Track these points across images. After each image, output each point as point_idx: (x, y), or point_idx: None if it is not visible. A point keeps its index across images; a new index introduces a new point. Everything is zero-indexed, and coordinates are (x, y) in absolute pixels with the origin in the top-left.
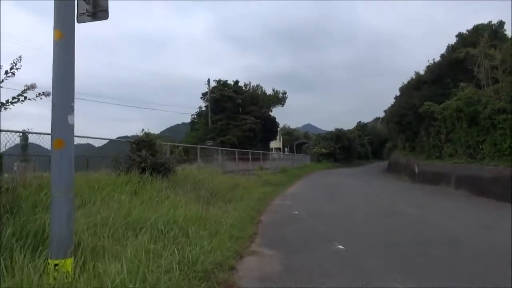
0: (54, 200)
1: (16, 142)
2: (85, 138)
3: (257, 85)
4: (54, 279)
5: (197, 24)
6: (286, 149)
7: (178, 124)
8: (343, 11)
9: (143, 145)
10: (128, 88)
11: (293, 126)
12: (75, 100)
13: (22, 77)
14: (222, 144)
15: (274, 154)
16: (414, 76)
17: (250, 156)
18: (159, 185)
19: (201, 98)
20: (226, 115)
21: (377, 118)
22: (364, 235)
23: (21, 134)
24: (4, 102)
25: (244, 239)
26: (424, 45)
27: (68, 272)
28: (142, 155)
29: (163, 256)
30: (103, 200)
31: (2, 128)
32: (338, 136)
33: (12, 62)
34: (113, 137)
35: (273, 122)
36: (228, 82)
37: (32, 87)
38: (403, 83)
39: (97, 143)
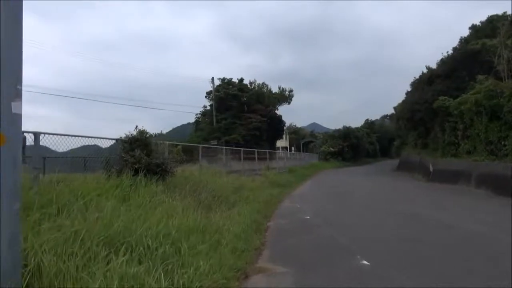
0: None
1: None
2: (92, 139)
3: (263, 83)
4: None
5: (200, 24)
6: (292, 148)
7: (183, 125)
8: (347, 9)
9: (137, 144)
10: (134, 88)
11: (298, 125)
12: (85, 100)
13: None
14: (227, 143)
15: (281, 153)
16: (425, 71)
17: (256, 156)
18: (154, 189)
19: (205, 97)
20: (231, 114)
21: (385, 116)
22: (390, 247)
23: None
24: None
25: (250, 252)
26: (428, 43)
27: None
28: (136, 155)
29: (145, 285)
30: (84, 207)
31: None
32: (346, 134)
33: None
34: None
35: (279, 121)
36: (233, 80)
37: None
38: (415, 77)
39: (104, 144)
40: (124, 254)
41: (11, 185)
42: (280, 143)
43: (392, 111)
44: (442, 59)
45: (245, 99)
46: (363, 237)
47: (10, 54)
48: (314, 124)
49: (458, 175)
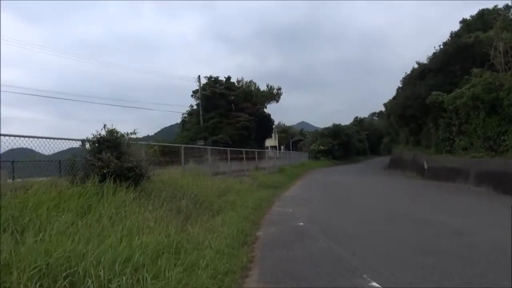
0: None
1: (11, 147)
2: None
3: (250, 81)
4: None
5: (188, 26)
6: (282, 147)
7: (172, 125)
8: (335, 10)
9: (106, 145)
10: (122, 90)
11: (288, 124)
12: (72, 103)
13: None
14: (214, 143)
15: (270, 152)
16: (416, 67)
17: (244, 156)
18: (123, 197)
19: (191, 96)
20: (218, 113)
21: (374, 113)
22: (402, 262)
23: None
24: None
25: (235, 275)
26: (416, 42)
27: None
28: (104, 158)
29: None
30: (29, 224)
31: None
32: (335, 132)
33: None
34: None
35: (268, 119)
36: (220, 78)
37: None
38: (406, 73)
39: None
40: None
41: None
42: (270, 142)
43: (381, 108)
44: (434, 53)
45: (232, 97)
46: (367, 249)
47: None
48: (303, 123)
49: (455, 172)
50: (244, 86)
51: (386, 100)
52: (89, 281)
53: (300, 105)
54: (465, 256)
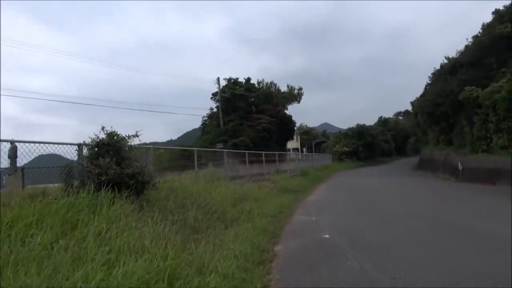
0: None
1: (41, 153)
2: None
3: (271, 82)
4: None
5: (210, 29)
6: (304, 149)
7: (194, 129)
8: (358, 8)
9: (105, 149)
10: (147, 94)
11: (309, 125)
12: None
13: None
14: (235, 146)
15: (291, 154)
16: (443, 63)
17: (263, 158)
18: (121, 209)
19: (211, 98)
20: (238, 115)
21: (399, 113)
22: None
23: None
24: None
25: None
26: (440, 38)
27: None
28: (101, 164)
29: None
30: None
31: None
32: (360, 132)
33: None
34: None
35: (289, 121)
36: (239, 80)
37: None
38: (435, 68)
39: None
40: None
41: None
42: (291, 144)
43: (406, 107)
44: (466, 46)
45: (252, 99)
46: (410, 271)
47: None
48: (325, 124)
49: (495, 173)
50: (264, 87)
51: (412, 99)
52: None
53: (322, 106)
54: None
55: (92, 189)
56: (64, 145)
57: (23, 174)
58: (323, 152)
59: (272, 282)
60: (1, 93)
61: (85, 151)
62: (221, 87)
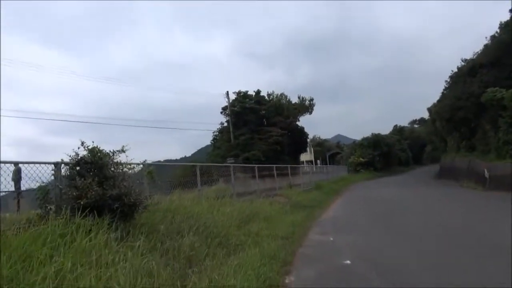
0: None
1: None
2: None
3: (281, 94)
4: None
5: (217, 45)
6: (318, 162)
7: (208, 145)
8: (364, 16)
9: (86, 168)
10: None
11: (322, 137)
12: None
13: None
14: (246, 160)
15: (305, 167)
16: (459, 65)
17: (275, 172)
18: (97, 238)
19: (221, 113)
20: (249, 128)
21: (414, 121)
22: None
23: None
24: None
25: None
26: (450, 44)
27: None
28: (79, 185)
29: None
30: None
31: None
32: (375, 142)
33: None
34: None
35: (301, 133)
36: (249, 93)
37: None
38: (452, 71)
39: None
40: None
41: None
42: (305, 157)
43: (421, 115)
44: (485, 45)
45: (263, 112)
46: None
47: None
48: (339, 136)
49: None
50: (275, 100)
51: (426, 106)
52: None
53: (334, 117)
54: None
55: (68, 215)
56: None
57: (18, 199)
58: (338, 164)
59: None
60: (15, 116)
61: (64, 170)
62: (230, 101)
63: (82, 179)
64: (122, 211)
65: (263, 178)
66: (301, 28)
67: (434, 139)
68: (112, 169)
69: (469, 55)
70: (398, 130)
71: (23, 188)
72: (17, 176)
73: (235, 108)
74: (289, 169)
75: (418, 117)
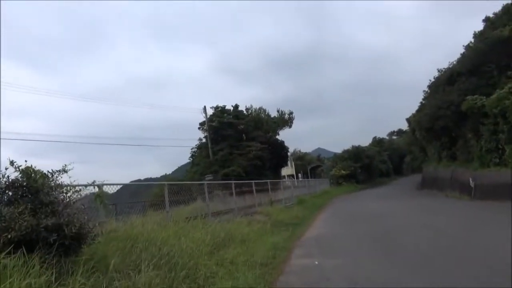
0: None
1: None
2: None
3: (260, 108)
4: None
5: (195, 63)
6: (300, 175)
7: (188, 162)
8: (335, 35)
9: (18, 193)
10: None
11: (303, 150)
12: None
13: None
14: (225, 177)
15: (286, 181)
16: (436, 75)
17: (254, 188)
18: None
19: (199, 128)
20: (228, 144)
21: (392, 132)
22: None
23: None
24: None
25: None
26: (421, 59)
27: None
28: (5, 214)
29: None
30: None
31: None
32: (356, 154)
33: None
34: (127, 181)
35: (281, 147)
36: (227, 108)
37: None
38: (430, 80)
39: (111, 190)
40: None
41: None
42: (286, 171)
43: (400, 126)
44: (462, 54)
45: (242, 126)
46: None
47: None
48: (319, 149)
49: None
50: (253, 114)
51: (402, 118)
52: None
53: (314, 131)
54: None
55: None
56: None
57: None
58: (319, 177)
59: None
60: None
61: None
62: (208, 116)
63: (12, 207)
64: (62, 244)
65: (243, 195)
66: (278, 45)
67: (413, 149)
68: (53, 193)
69: (443, 66)
70: (377, 142)
71: None
72: None
73: (213, 124)
74: (269, 184)
75: (396, 129)
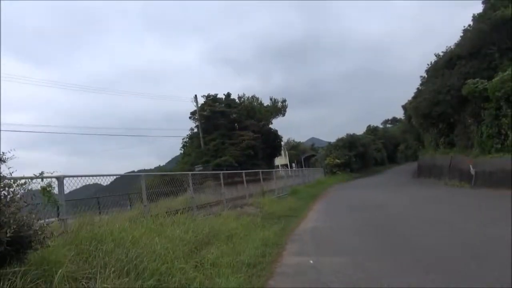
0: None
1: None
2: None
3: (253, 97)
4: None
5: (190, 53)
6: (293, 165)
7: (181, 153)
8: (331, 24)
9: None
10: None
11: (297, 140)
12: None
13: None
14: (217, 167)
15: (280, 171)
16: (433, 60)
17: (244, 178)
18: None
19: (190, 118)
20: (220, 133)
21: (387, 121)
22: None
23: None
24: None
25: None
26: (418, 47)
27: None
28: None
29: None
30: None
31: None
32: (351, 142)
33: None
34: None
35: (275, 136)
36: (219, 96)
37: None
38: (428, 64)
39: (105, 182)
40: None
41: None
42: (280, 161)
43: (394, 115)
44: (462, 37)
45: (234, 115)
46: None
47: None
48: (313, 139)
49: None
50: (246, 102)
51: (396, 107)
52: None
53: (308, 121)
54: None
55: None
56: None
57: None
58: (313, 166)
59: None
60: None
61: None
62: (199, 105)
63: None
64: None
65: (234, 185)
66: (272, 35)
67: (407, 137)
68: None
69: (445, 48)
70: (371, 130)
71: None
72: None
73: (205, 113)
74: (260, 174)
75: (390, 117)
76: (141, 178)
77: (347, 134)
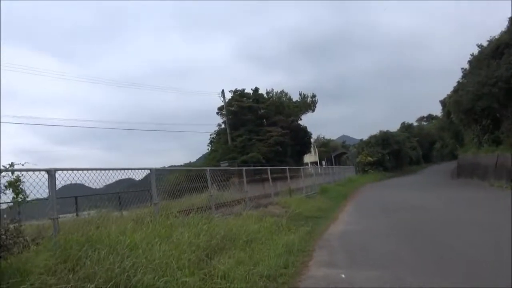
0: None
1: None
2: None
3: (281, 92)
4: None
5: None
6: (323, 162)
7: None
8: (363, 18)
9: None
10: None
11: (327, 137)
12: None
13: None
14: (243, 163)
15: (309, 169)
16: (476, 52)
17: (269, 175)
18: None
19: (217, 113)
20: (247, 129)
21: (422, 118)
22: None
23: None
24: None
25: None
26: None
27: None
28: None
29: None
30: None
31: None
32: (384, 139)
33: None
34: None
35: (304, 132)
36: (246, 91)
37: None
38: (471, 55)
39: (138, 176)
40: None
41: None
42: (309, 158)
43: (430, 112)
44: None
45: (262, 111)
46: None
47: None
48: (344, 136)
49: None
50: (274, 98)
51: (431, 104)
52: None
53: (339, 118)
54: None
55: None
56: None
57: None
58: (344, 164)
59: None
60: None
61: None
62: (227, 100)
63: None
64: None
65: (260, 183)
66: (303, 30)
67: (445, 135)
68: None
69: (489, 37)
70: (406, 128)
71: None
72: None
73: (232, 108)
74: (287, 171)
75: (425, 114)
76: (152, 172)
77: (380, 131)
